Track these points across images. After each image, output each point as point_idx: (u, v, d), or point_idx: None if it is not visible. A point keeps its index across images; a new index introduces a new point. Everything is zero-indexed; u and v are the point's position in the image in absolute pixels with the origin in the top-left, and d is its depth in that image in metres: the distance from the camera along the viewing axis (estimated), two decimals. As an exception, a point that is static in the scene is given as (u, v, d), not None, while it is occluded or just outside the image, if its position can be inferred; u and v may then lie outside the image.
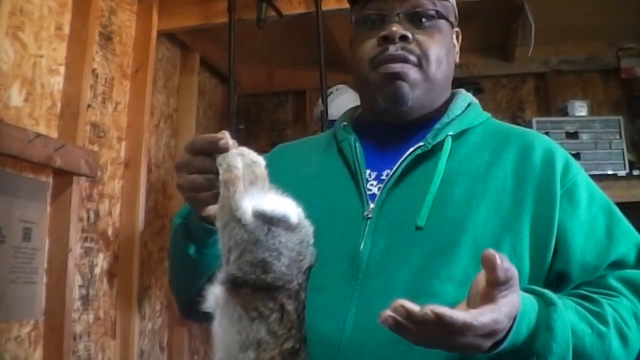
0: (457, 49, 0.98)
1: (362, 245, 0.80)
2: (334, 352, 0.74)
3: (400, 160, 0.85)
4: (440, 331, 0.57)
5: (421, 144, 0.86)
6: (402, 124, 0.91)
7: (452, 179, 0.83)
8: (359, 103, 1.02)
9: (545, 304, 0.70)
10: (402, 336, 0.59)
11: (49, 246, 1.64)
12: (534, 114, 2.71)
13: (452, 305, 0.62)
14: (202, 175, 0.77)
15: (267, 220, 0.73)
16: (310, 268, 0.79)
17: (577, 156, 2.12)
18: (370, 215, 0.82)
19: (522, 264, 0.77)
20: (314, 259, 0.80)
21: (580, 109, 2.42)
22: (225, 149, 0.75)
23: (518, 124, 0.98)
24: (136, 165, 2.05)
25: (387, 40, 0.87)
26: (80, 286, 1.78)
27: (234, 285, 0.74)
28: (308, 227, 0.79)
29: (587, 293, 0.78)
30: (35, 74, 1.62)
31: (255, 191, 0.74)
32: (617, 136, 2.26)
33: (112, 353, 1.92)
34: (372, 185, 0.86)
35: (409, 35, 0.87)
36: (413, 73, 0.87)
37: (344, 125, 0.95)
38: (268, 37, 2.34)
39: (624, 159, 2.22)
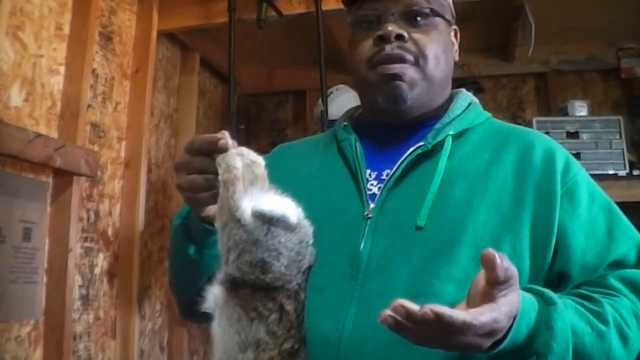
0: (456, 46, 0.98)
1: (362, 245, 0.80)
2: (334, 352, 0.74)
3: (401, 160, 0.85)
4: (440, 331, 0.57)
5: (421, 143, 0.86)
6: (402, 123, 0.91)
7: (452, 178, 0.83)
8: (359, 103, 1.02)
9: (545, 303, 0.70)
10: (402, 336, 0.59)
11: (49, 246, 1.64)
12: (534, 113, 2.71)
13: (452, 305, 0.62)
14: (201, 175, 0.77)
15: (267, 220, 0.73)
16: (309, 268, 0.79)
17: (577, 156, 2.11)
18: (370, 215, 0.82)
19: (522, 264, 0.77)
20: (314, 259, 0.80)
21: (580, 108, 2.41)
22: (224, 149, 0.75)
23: (518, 124, 0.98)
24: (136, 165, 2.05)
25: (383, 40, 0.87)
26: (80, 286, 1.78)
27: (233, 286, 0.74)
28: (307, 227, 0.78)
29: (587, 292, 0.78)
30: (35, 74, 1.62)
31: (255, 191, 0.74)
32: (617, 136, 2.26)
33: (112, 353, 1.92)
34: (372, 185, 0.86)
35: (405, 34, 0.87)
36: (411, 72, 0.87)
37: (344, 125, 0.96)
38: (268, 37, 2.34)
39: (624, 158, 2.21)
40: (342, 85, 2.44)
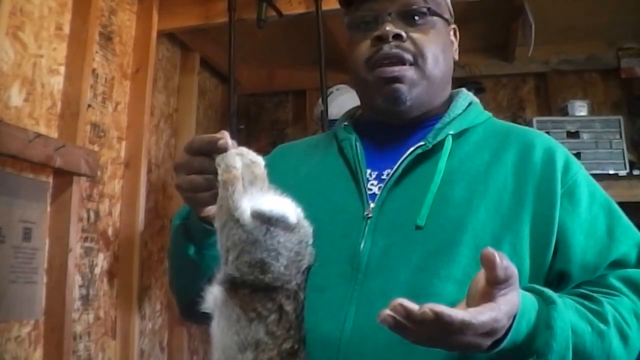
0: (456, 45, 0.98)
1: (362, 245, 0.80)
2: (334, 352, 0.74)
3: (401, 160, 0.85)
4: (440, 330, 0.57)
5: (422, 143, 0.86)
6: (403, 123, 0.91)
7: (452, 178, 0.83)
8: (359, 103, 1.02)
9: (545, 303, 0.70)
10: (402, 336, 0.59)
11: (49, 246, 1.64)
12: (534, 113, 2.71)
13: (452, 305, 0.62)
14: (201, 175, 0.77)
15: (266, 220, 0.72)
16: (309, 268, 0.79)
17: (578, 156, 2.12)
18: (370, 215, 0.82)
19: (523, 263, 0.77)
20: (313, 259, 0.80)
21: (580, 108, 2.42)
22: (224, 149, 0.75)
23: (519, 124, 0.98)
24: (136, 165, 2.05)
25: (381, 40, 0.87)
26: (81, 286, 1.78)
27: (233, 286, 0.74)
28: (307, 227, 0.78)
29: (587, 292, 0.78)
30: (35, 74, 1.62)
31: (255, 191, 0.74)
32: (618, 136, 2.26)
33: (112, 353, 1.92)
34: (372, 184, 0.86)
35: (403, 33, 0.87)
36: (410, 74, 0.87)
37: (344, 125, 0.96)
38: (268, 37, 2.34)
39: (624, 158, 2.22)
40: (342, 85, 2.44)
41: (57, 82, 1.71)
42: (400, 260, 0.77)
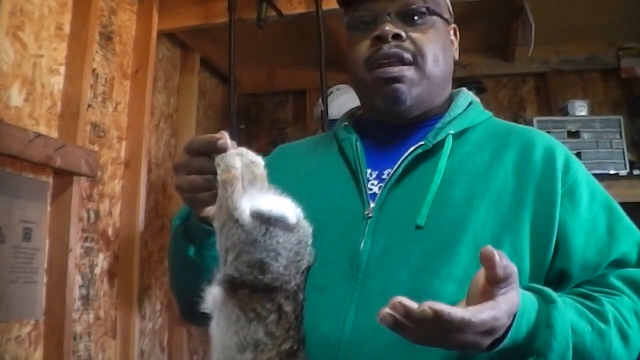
0: (456, 45, 0.97)
1: (362, 245, 0.80)
2: (334, 352, 0.74)
3: (401, 160, 0.85)
4: (439, 329, 0.57)
5: (422, 143, 0.86)
6: (403, 123, 0.91)
7: (452, 178, 0.83)
8: (359, 103, 1.02)
9: (545, 302, 0.69)
10: (401, 335, 0.58)
11: (49, 246, 1.64)
12: (534, 113, 2.72)
13: (452, 305, 0.62)
14: (200, 175, 0.77)
15: (265, 220, 0.72)
16: (308, 268, 0.79)
17: (578, 155, 2.11)
18: (370, 215, 0.82)
19: (523, 263, 0.77)
20: (313, 259, 0.79)
21: (580, 108, 2.42)
22: (223, 149, 0.75)
23: (519, 124, 0.98)
24: (136, 165, 2.05)
25: (381, 39, 0.87)
26: (81, 286, 1.78)
27: (232, 286, 0.73)
28: (306, 228, 0.78)
29: (587, 291, 0.78)
30: (35, 74, 1.62)
31: (254, 191, 0.74)
32: (618, 136, 2.26)
33: (113, 353, 1.92)
34: (372, 184, 0.86)
35: (402, 33, 0.87)
36: (410, 74, 0.87)
37: (344, 125, 0.96)
38: (268, 37, 2.34)
39: (624, 158, 2.22)
40: (342, 85, 2.44)
41: (57, 82, 1.71)
42: (400, 260, 0.77)
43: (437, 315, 0.55)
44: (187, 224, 0.87)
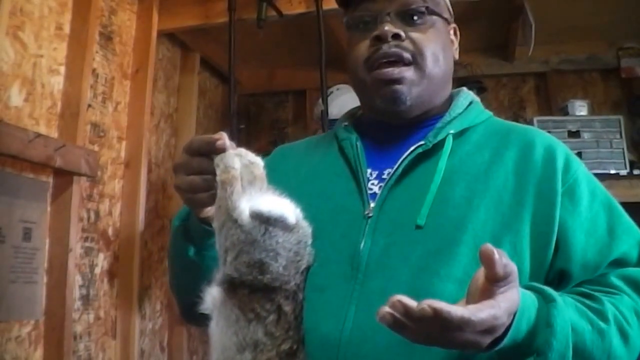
0: (456, 45, 0.97)
1: (362, 245, 0.80)
2: (334, 352, 0.74)
3: (401, 159, 0.85)
4: (439, 327, 0.57)
5: (422, 142, 0.86)
6: (403, 122, 0.91)
7: (452, 177, 0.83)
8: (359, 103, 1.02)
9: (545, 301, 0.69)
10: (401, 334, 0.58)
11: (49, 246, 1.64)
12: (534, 113, 2.72)
13: (452, 304, 0.62)
14: (199, 176, 0.77)
15: (264, 220, 0.72)
16: (308, 269, 0.79)
17: (579, 155, 2.11)
18: (370, 214, 0.82)
19: (523, 262, 0.77)
20: (312, 259, 0.79)
21: (580, 108, 2.42)
22: (222, 150, 0.75)
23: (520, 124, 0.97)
24: (136, 165, 2.05)
25: (380, 39, 0.87)
26: (81, 286, 1.78)
27: (231, 286, 0.73)
28: (306, 228, 0.78)
29: (587, 291, 0.78)
30: (35, 74, 1.62)
31: (254, 192, 0.74)
32: (618, 135, 2.26)
33: (113, 353, 1.92)
34: (373, 184, 0.86)
35: (402, 33, 0.87)
36: (410, 74, 0.86)
37: (345, 125, 0.95)
38: (268, 37, 2.34)
39: (624, 158, 2.22)
40: (342, 85, 2.43)
41: (57, 82, 1.71)
42: (400, 259, 0.77)
43: (437, 314, 0.55)
44: (187, 225, 0.87)
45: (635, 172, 2.19)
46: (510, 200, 0.81)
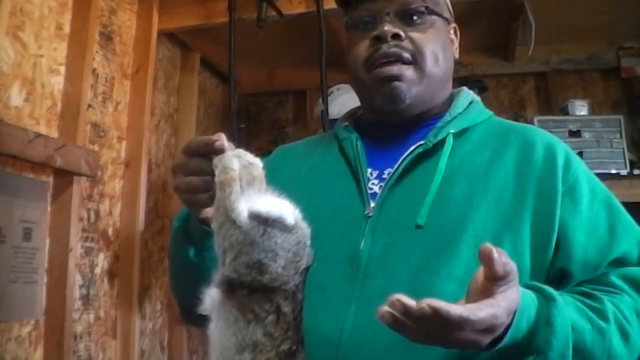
0: (456, 44, 0.97)
1: (362, 244, 0.80)
2: (334, 352, 0.74)
3: (402, 159, 0.85)
4: (438, 326, 0.57)
5: (422, 142, 0.86)
6: (403, 122, 0.91)
7: (453, 177, 0.83)
8: (359, 103, 1.02)
9: (545, 300, 0.69)
10: (400, 333, 0.58)
11: (50, 246, 1.64)
12: (535, 112, 2.72)
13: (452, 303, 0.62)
14: (198, 177, 0.77)
15: (263, 221, 0.72)
16: (307, 269, 0.79)
17: (580, 155, 2.11)
18: (370, 214, 0.82)
19: (523, 262, 0.77)
20: (311, 259, 0.79)
21: (580, 108, 2.42)
22: (220, 150, 0.75)
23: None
24: (136, 165, 2.05)
25: (380, 39, 0.87)
26: (81, 286, 1.78)
27: (230, 287, 0.73)
28: (305, 228, 0.78)
29: (588, 290, 0.78)
30: (35, 73, 1.62)
31: (252, 192, 0.74)
32: (618, 135, 2.26)
33: (113, 353, 1.92)
34: (373, 184, 0.86)
35: (401, 33, 0.87)
36: (409, 73, 0.87)
37: (345, 125, 0.96)
38: (268, 37, 2.34)
39: (624, 158, 2.21)
40: (342, 85, 2.43)
41: (57, 82, 1.71)
42: (400, 259, 0.77)
43: (436, 313, 0.55)
44: (186, 226, 0.87)
45: (636, 171, 2.19)
46: (510, 200, 0.81)
